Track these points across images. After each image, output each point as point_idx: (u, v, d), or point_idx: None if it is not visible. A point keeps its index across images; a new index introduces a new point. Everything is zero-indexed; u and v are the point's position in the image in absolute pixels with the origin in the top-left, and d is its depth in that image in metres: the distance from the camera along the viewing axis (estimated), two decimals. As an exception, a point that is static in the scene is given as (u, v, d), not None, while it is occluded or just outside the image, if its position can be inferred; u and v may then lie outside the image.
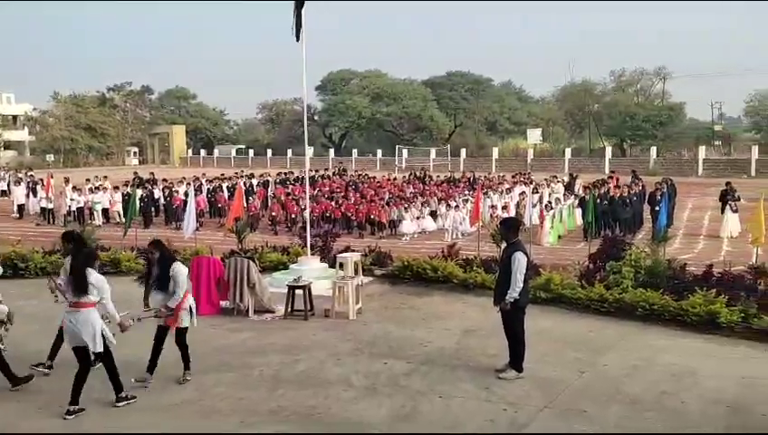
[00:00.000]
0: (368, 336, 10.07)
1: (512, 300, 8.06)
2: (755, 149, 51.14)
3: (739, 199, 21.18)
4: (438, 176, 37.30)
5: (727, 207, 21.00)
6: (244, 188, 26.72)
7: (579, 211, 22.55)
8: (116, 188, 27.47)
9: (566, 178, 31.48)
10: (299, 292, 11.33)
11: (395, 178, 34.32)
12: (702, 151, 52.87)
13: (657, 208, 18.49)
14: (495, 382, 8.06)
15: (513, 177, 32.53)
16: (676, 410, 7.27)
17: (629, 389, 7.86)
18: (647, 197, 23.01)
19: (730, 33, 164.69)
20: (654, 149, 54.29)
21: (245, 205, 22.89)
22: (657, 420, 7.00)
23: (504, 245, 8.92)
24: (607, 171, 41.91)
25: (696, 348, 9.52)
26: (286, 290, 11.53)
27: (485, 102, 75.23)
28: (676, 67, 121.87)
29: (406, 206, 22.85)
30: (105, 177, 30.53)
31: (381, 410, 7.27)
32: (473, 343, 9.66)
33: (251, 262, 11.77)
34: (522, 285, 8.06)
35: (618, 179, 26.54)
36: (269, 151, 72.21)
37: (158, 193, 27.25)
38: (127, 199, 22.68)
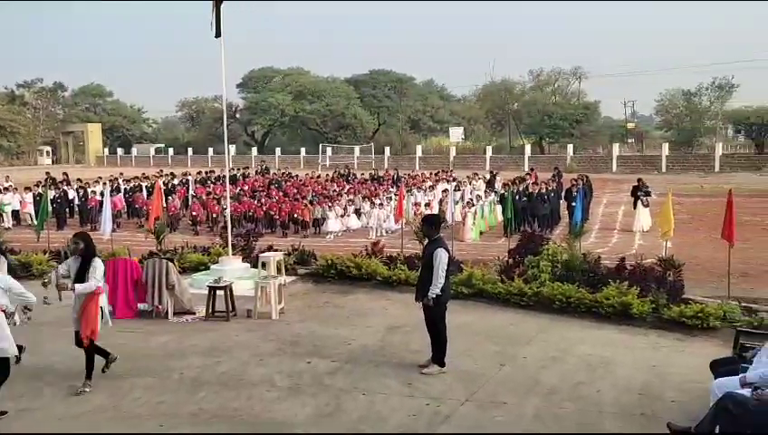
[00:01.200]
0: (291, 336, 10.00)
1: (434, 296, 8.16)
2: (666, 147, 53.41)
3: (650, 195, 22.01)
4: (363, 174, 37.38)
5: (639, 202, 21.81)
6: (163, 187, 26.11)
7: (499, 208, 23.01)
8: (27, 188, 26.37)
9: (487, 176, 32.05)
10: (220, 292, 11.16)
11: (319, 177, 34.18)
12: (616, 148, 54.83)
13: (573, 204, 19.03)
14: (419, 378, 8.14)
15: (435, 174, 32.91)
16: (592, 398, 7.51)
17: (547, 379, 8.08)
18: (564, 193, 23.68)
19: (642, 35, 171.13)
20: (571, 147, 55.91)
21: (165, 205, 22.37)
22: (574, 409, 7.21)
23: (426, 241, 9.01)
24: (527, 168, 42.90)
25: (610, 338, 9.85)
26: (207, 291, 11.34)
27: (408, 101, 75.83)
28: (591, 67, 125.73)
29: (330, 204, 22.79)
30: (7, 177, 29.24)
31: (305, 410, 7.23)
32: (396, 340, 9.73)
33: (170, 263, 11.51)
34: (443, 281, 8.17)
35: (536, 176, 27.20)
36: (189, 150, 70.80)
37: (72, 193, 26.30)
38: (38, 200, 21.82)
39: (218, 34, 12.96)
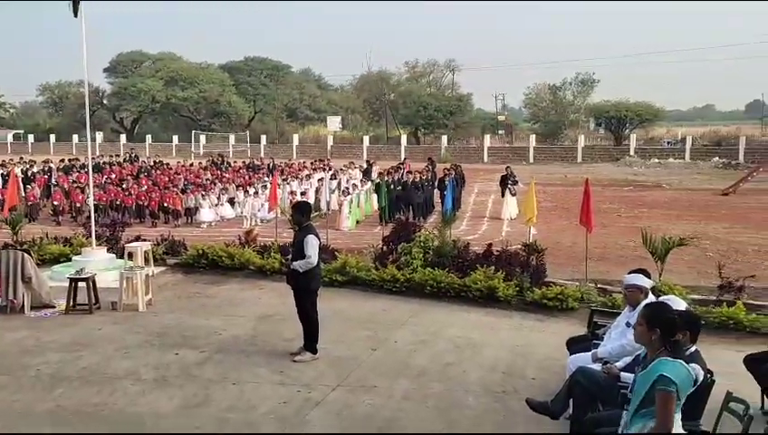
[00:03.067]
0: (158, 327, 9.69)
1: (298, 268, 8.08)
2: (533, 138, 55.88)
3: (517, 183, 22.95)
4: (236, 162, 36.70)
5: (507, 191, 22.69)
6: (22, 175, 24.55)
7: (375, 197, 23.26)
8: None
9: (364, 165, 32.30)
10: (82, 284, 10.63)
11: (191, 165, 33.22)
12: (487, 140, 56.80)
13: (445, 193, 19.52)
14: (290, 366, 8.11)
15: (312, 163, 32.82)
16: (458, 378, 7.77)
17: (417, 362, 8.27)
18: (437, 182, 24.25)
19: (510, 32, 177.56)
20: (445, 138, 57.35)
21: (24, 193, 21.04)
22: (441, 389, 7.44)
23: (297, 229, 8.96)
24: (402, 158, 43.59)
25: (478, 321, 10.22)
26: (68, 283, 10.77)
27: (285, 89, 75.05)
28: (464, 60, 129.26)
29: (203, 193, 22.23)
30: None
31: (172, 401, 7.04)
32: (268, 329, 9.64)
33: (26, 254, 10.84)
34: (314, 260, 8.11)
35: (409, 166, 27.67)
36: (52, 137, 66.89)
37: None
38: None
39: (76, 14, 12.28)
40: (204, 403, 7.01)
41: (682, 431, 4.19)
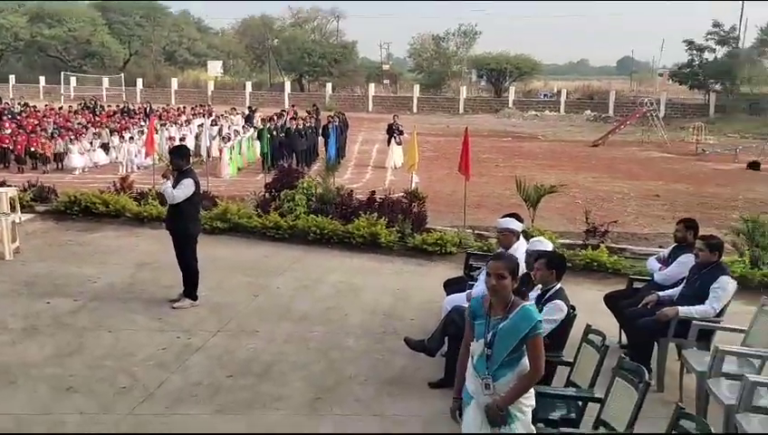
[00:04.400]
0: (27, 276, 9.23)
1: (169, 190, 7.91)
2: (417, 88, 56.42)
3: (402, 133, 23.22)
4: (110, 106, 34.98)
5: (393, 140, 22.92)
6: None
7: (258, 143, 22.89)
8: None
9: (246, 111, 31.61)
10: (-60, 232, 9.93)
11: (61, 108, 31.36)
12: (372, 89, 56.83)
13: (328, 141, 19.48)
14: (169, 313, 7.98)
15: (191, 109, 31.79)
16: (340, 321, 7.91)
17: (299, 307, 8.34)
18: (321, 130, 24.13)
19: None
20: (330, 85, 56.88)
21: None
22: (323, 331, 7.56)
23: (176, 174, 8.71)
24: (287, 105, 42.97)
25: (361, 266, 10.39)
26: (-77, 231, 10.02)
27: (162, 31, 71.67)
28: (349, 8, 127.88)
29: (73, 138, 21.09)
30: None
31: (44, 350, 6.79)
32: (146, 276, 9.40)
33: None
34: (187, 194, 7.91)
35: (296, 113, 27.35)
36: None
37: None
38: None
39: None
40: (77, 351, 6.80)
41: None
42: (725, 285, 6.31)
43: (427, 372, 6.41)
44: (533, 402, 4.09)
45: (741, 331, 6.14)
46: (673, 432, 3.72)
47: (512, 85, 57.79)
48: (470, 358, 4.13)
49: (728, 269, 6.72)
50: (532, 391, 4.07)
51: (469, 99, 55.16)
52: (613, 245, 11.24)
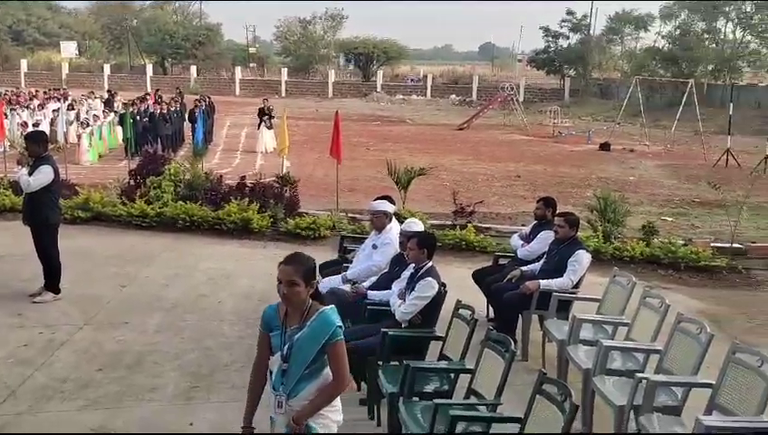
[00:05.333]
0: None
1: (26, 179, 7.50)
2: (285, 72, 55.87)
3: (273, 117, 22.96)
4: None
5: (263, 123, 22.63)
6: None
7: (120, 129, 21.92)
8: None
9: (105, 95, 30.14)
10: None
11: None
12: (239, 72, 55.72)
13: (195, 125, 19.01)
14: (30, 307, 7.55)
15: (45, 93, 29.91)
16: (213, 308, 7.81)
17: (170, 296, 8.14)
18: (187, 114, 23.44)
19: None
20: (194, 69, 55.23)
21: None
22: (196, 319, 7.43)
23: (32, 162, 8.22)
24: (149, 89, 41.32)
25: (233, 253, 10.25)
26: None
27: (8, 9, 66.68)
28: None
29: None
30: None
31: None
32: (5, 269, 8.84)
33: None
34: (44, 182, 7.50)
35: (160, 97, 26.37)
36: None
37: None
38: None
39: None
40: (-75, 354, 6.32)
41: None
42: (582, 259, 6.76)
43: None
44: (341, 418, 3.70)
45: (596, 300, 6.60)
46: (537, 395, 3.97)
47: (379, 69, 58.40)
48: (269, 374, 3.71)
49: (584, 244, 7.21)
50: (338, 403, 3.67)
51: (338, 83, 55.28)
52: (480, 224, 11.72)
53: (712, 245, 10.82)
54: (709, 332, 4.90)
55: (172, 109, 22.44)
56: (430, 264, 5.69)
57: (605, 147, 25.88)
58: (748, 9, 43.05)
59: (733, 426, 4.23)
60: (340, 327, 3.61)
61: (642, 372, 5.19)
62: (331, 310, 3.64)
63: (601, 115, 39.46)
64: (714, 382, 4.61)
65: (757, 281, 9.77)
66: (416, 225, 6.50)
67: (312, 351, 3.56)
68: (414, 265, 5.74)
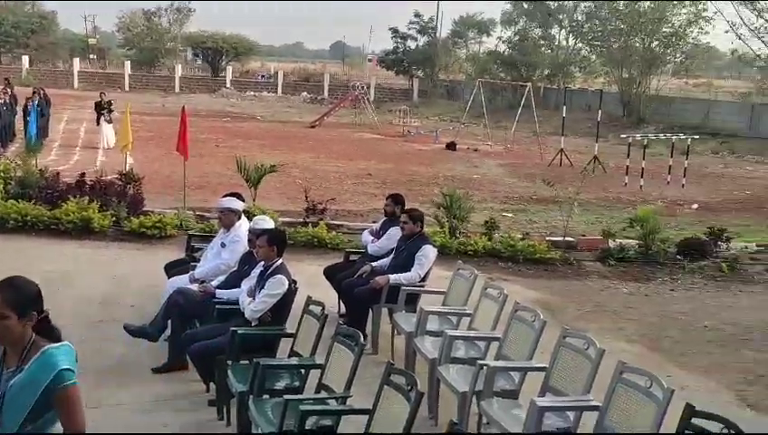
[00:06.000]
0: None
1: None
2: (128, 65, 53.39)
3: (113, 111, 21.88)
4: None
5: (102, 118, 21.53)
6: None
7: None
8: None
9: None
10: None
11: None
12: (77, 64, 52.61)
13: (28, 119, 17.80)
14: None
15: None
16: (52, 312, 7.29)
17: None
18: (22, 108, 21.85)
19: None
20: (26, 59, 51.53)
21: None
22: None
23: None
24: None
25: (72, 254, 9.72)
26: None
27: None
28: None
29: None
30: None
31: None
32: None
33: None
34: None
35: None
36: None
37: None
38: None
39: None
40: None
41: None
42: (428, 253, 7.02)
43: (149, 358, 6.24)
44: None
45: (441, 293, 6.89)
46: (386, 386, 4.09)
47: (229, 65, 57.23)
48: None
49: (430, 239, 7.49)
50: None
51: (185, 78, 53.61)
52: (332, 221, 11.82)
53: (547, 239, 11.57)
54: (542, 319, 5.25)
55: (1, 101, 20.82)
56: (280, 261, 5.69)
57: (451, 146, 26.85)
58: (579, 18, 46.10)
59: (563, 405, 4.57)
60: (68, 370, 2.88)
61: (484, 359, 5.48)
62: (58, 349, 2.93)
63: (448, 115, 40.88)
64: (547, 366, 4.96)
65: (586, 272, 10.53)
66: (265, 222, 6.48)
67: (30, 400, 2.83)
68: (264, 262, 5.72)
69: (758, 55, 36.89)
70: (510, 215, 14.86)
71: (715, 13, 37.00)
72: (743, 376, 6.80)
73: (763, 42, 36.03)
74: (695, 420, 3.76)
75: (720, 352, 7.41)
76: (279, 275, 5.56)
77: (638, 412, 4.13)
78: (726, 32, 35.22)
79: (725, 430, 3.57)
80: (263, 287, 5.56)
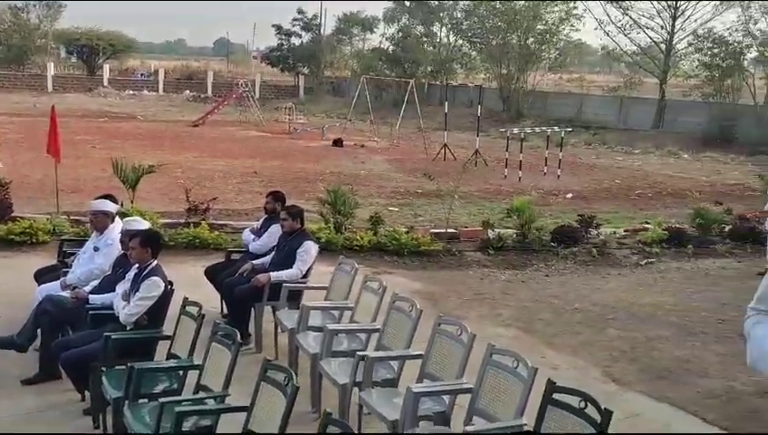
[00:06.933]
0: None
1: None
2: (-5, 63, 50.30)
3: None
4: None
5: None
6: None
7: None
8: None
9: None
10: None
11: None
12: (-64, 62, 49.01)
13: None
14: None
15: None
16: None
17: None
18: None
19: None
20: None
21: None
22: None
23: None
24: None
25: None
26: None
27: None
28: None
29: None
30: None
31: None
32: None
33: None
34: None
35: None
36: None
37: None
38: None
39: None
40: None
41: None
42: (309, 249, 7.06)
43: (19, 370, 5.96)
44: None
45: (324, 288, 6.94)
46: (263, 382, 4.11)
47: (106, 63, 54.94)
48: None
49: (311, 235, 7.53)
50: None
51: (59, 76, 51.04)
52: (215, 221, 11.63)
53: (431, 231, 11.86)
54: (419, 308, 5.41)
55: None
56: (155, 262, 5.58)
57: (338, 143, 26.95)
58: (459, 16, 47.28)
59: (438, 390, 4.74)
60: None
61: (365, 350, 5.59)
62: None
63: (335, 112, 40.94)
64: (423, 353, 5.12)
65: (468, 261, 10.88)
66: (138, 223, 6.31)
67: None
68: (138, 264, 5.59)
69: (624, 51, 39.21)
70: (396, 209, 15.10)
71: (585, 11, 39.07)
72: (608, 353, 7.24)
73: (629, 38, 38.33)
74: (556, 395, 4.00)
75: (588, 332, 7.85)
76: (154, 277, 5.45)
77: (506, 391, 4.35)
78: (596, 29, 37.25)
79: (582, 403, 3.82)
80: (137, 290, 5.44)
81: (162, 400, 4.31)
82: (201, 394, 4.65)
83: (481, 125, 25.98)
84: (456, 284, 9.70)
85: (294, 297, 6.89)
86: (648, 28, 37.71)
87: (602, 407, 3.73)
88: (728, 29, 34.52)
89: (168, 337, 5.36)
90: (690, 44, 36.45)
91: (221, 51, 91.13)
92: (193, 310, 5.16)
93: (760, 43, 33.57)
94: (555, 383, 4.03)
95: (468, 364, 4.79)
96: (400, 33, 49.94)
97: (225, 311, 7.42)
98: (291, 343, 6.23)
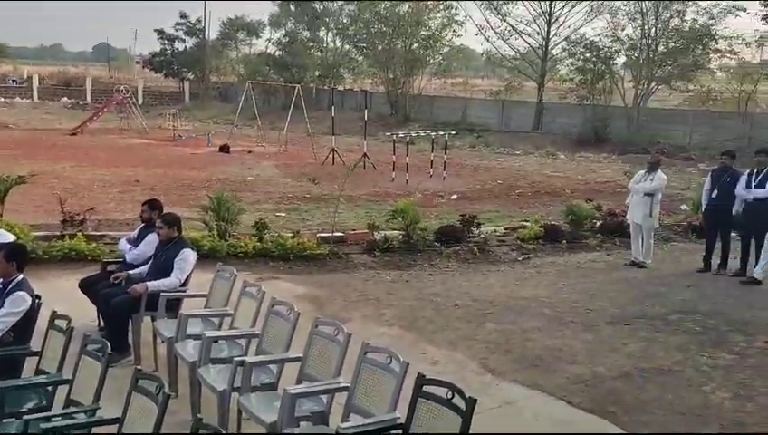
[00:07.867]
0: None
1: None
2: None
3: None
4: None
5: None
6: None
7: None
8: None
9: None
10: None
11: None
12: None
13: None
14: None
15: None
16: None
17: None
18: None
19: None
20: None
21: None
22: None
23: None
24: None
25: None
26: None
27: None
28: None
29: None
30: None
31: None
32: None
33: None
34: None
35: None
36: None
37: None
38: None
39: None
40: None
41: None
42: (187, 257, 6.97)
43: None
44: None
45: (203, 296, 6.87)
46: (134, 392, 4.06)
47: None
48: None
49: (189, 242, 7.43)
50: None
51: None
52: (93, 232, 11.25)
53: (318, 235, 11.92)
54: (297, 311, 5.48)
55: None
56: (21, 276, 5.39)
57: (225, 149, 26.56)
58: (344, 20, 47.60)
59: (315, 390, 4.82)
60: None
61: (245, 356, 5.59)
62: None
63: (221, 118, 40.32)
64: (302, 356, 5.18)
65: (354, 264, 11.02)
66: (2, 236, 6.06)
67: None
68: (2, 279, 5.37)
69: (505, 56, 40.68)
70: (283, 214, 15.06)
71: (466, 17, 40.25)
72: (485, 346, 7.55)
73: (508, 44, 39.83)
74: (426, 388, 4.17)
75: (467, 327, 8.14)
76: (20, 292, 5.25)
77: (380, 387, 4.49)
78: (476, 34, 38.43)
79: (450, 393, 4.01)
80: (2, 306, 5.22)
81: (26, 417, 4.17)
82: (71, 409, 4.52)
83: (369, 129, 26.25)
84: (342, 286, 9.81)
85: (173, 307, 6.78)
86: (525, 34, 39.36)
87: (467, 396, 3.93)
88: (599, 35, 36.44)
89: (35, 353, 5.18)
90: (564, 49, 38.28)
91: (101, 56, 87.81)
92: (62, 323, 5.01)
93: (627, 48, 35.64)
94: (425, 376, 4.20)
95: (347, 364, 4.90)
96: (287, 38, 49.82)
97: (103, 324, 7.21)
98: (169, 352, 6.13)
